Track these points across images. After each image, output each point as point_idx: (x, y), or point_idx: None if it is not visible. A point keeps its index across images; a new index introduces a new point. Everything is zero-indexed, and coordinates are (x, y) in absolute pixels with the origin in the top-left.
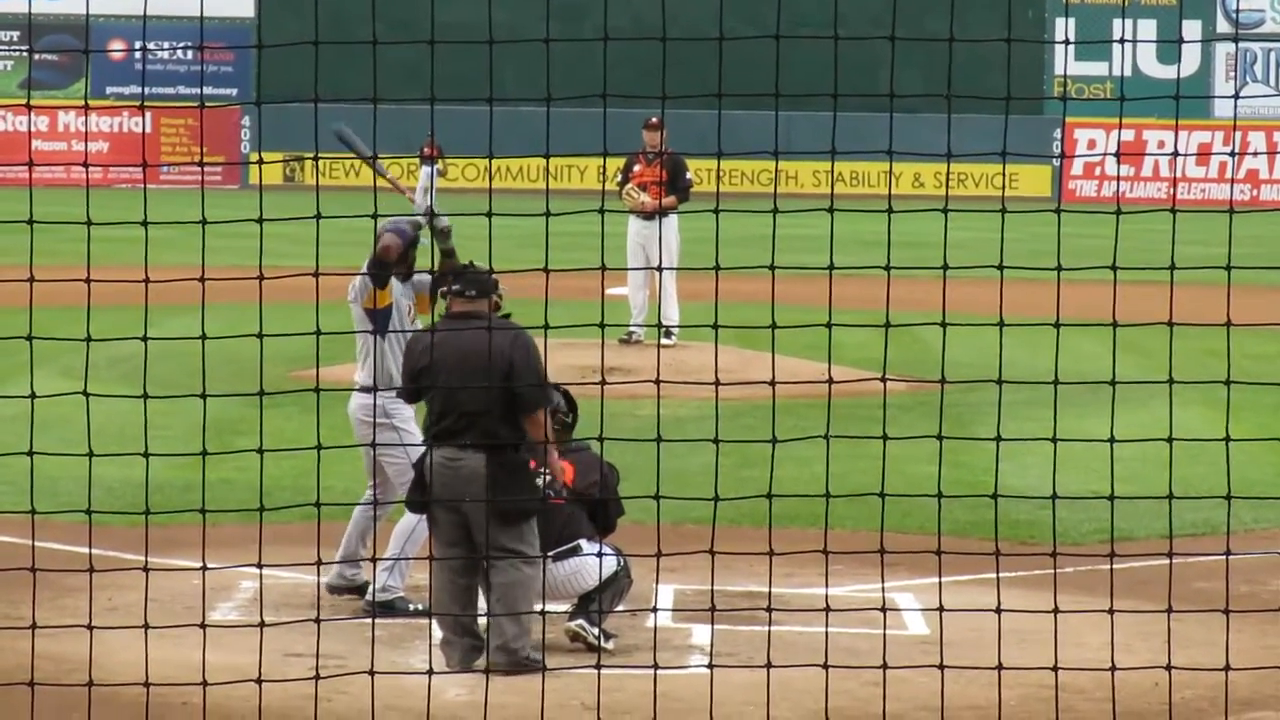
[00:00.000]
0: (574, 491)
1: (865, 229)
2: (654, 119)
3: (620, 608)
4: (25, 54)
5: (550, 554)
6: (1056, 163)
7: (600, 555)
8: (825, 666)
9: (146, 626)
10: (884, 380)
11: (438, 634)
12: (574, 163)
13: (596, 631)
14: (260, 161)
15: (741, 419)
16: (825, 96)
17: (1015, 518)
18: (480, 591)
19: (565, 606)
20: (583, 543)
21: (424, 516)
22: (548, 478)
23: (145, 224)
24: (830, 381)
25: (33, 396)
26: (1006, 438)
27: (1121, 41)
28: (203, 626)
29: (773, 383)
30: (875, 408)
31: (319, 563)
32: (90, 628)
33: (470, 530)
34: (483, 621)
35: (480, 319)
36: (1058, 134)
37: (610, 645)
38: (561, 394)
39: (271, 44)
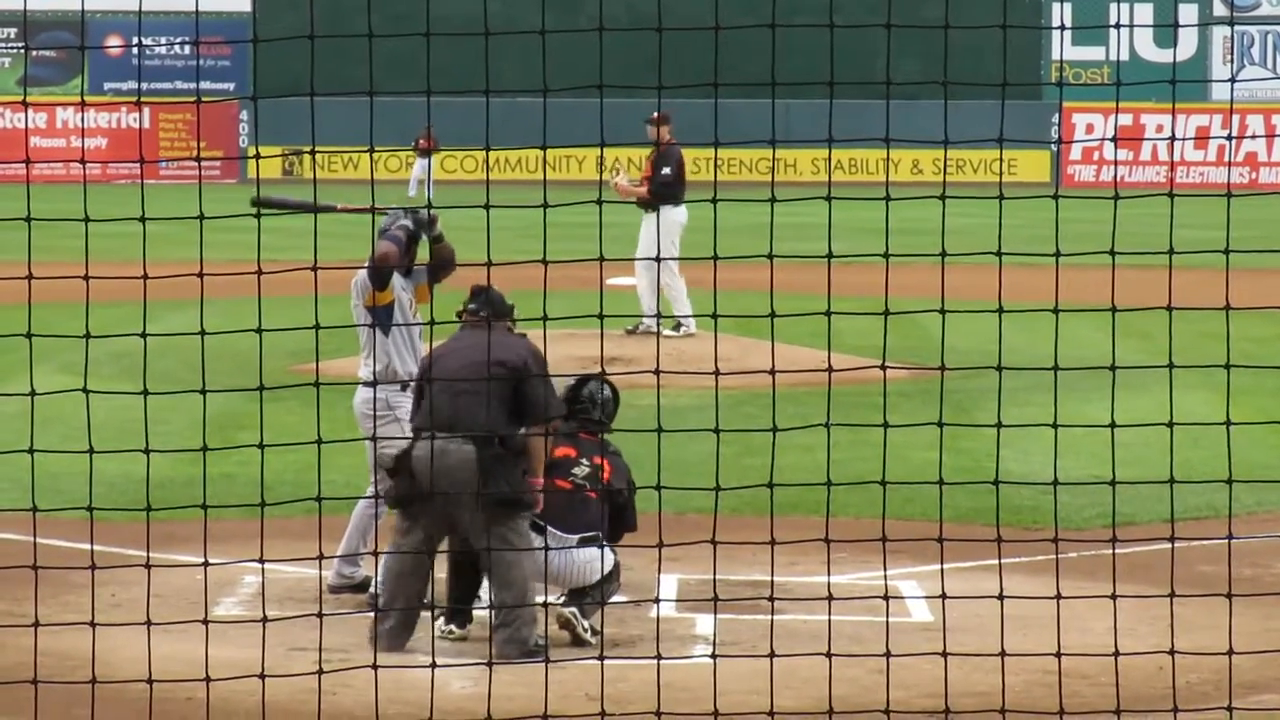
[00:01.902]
0: (608, 489)
1: (864, 216)
2: (655, 114)
3: (622, 598)
4: (22, 51)
5: (575, 538)
6: (1055, 148)
7: (603, 546)
8: (829, 655)
9: (150, 623)
10: (884, 368)
11: (385, 621)
12: (572, 153)
13: (587, 624)
14: (258, 156)
15: (742, 407)
16: (823, 85)
17: (1017, 503)
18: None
19: (554, 596)
20: (600, 534)
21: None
22: (586, 469)
23: (143, 220)
24: (830, 370)
25: (33, 394)
26: (1007, 424)
27: (1118, 26)
28: (205, 622)
29: (773, 371)
30: (876, 395)
31: (320, 557)
32: (93, 624)
33: (453, 522)
34: (480, 614)
35: (484, 323)
36: (1056, 119)
37: (594, 640)
38: (607, 384)
39: (267, 38)
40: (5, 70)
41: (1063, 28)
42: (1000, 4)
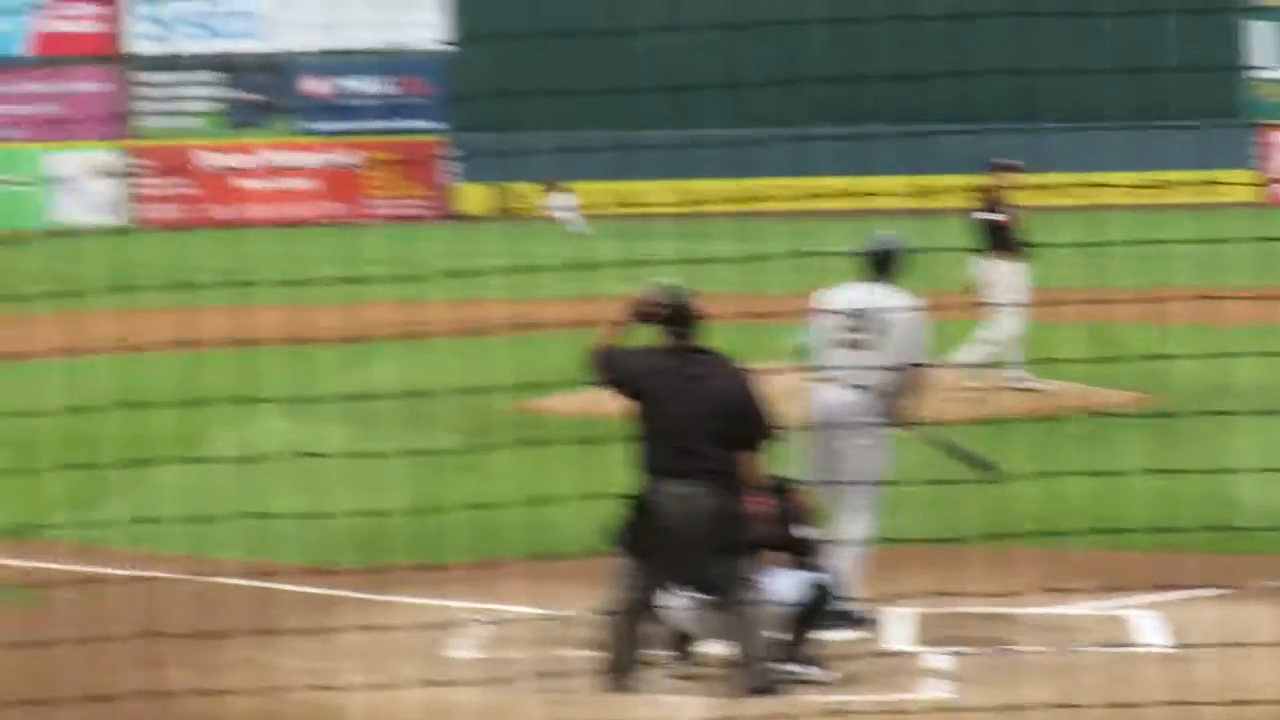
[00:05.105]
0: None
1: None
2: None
3: (853, 634)
4: (225, 94)
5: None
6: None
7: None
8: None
9: (378, 669)
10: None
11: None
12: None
13: (801, 670)
14: (463, 193)
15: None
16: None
17: (1257, 532)
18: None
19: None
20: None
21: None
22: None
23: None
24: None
25: (242, 461)
26: (1241, 451)
27: None
28: (438, 667)
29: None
30: (1096, 425)
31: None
32: (319, 671)
33: (683, 568)
34: (707, 651)
35: (699, 355)
36: (1256, 139)
37: (822, 675)
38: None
39: (470, 81)
40: (209, 113)
41: (1247, 68)
42: (1198, 28)
